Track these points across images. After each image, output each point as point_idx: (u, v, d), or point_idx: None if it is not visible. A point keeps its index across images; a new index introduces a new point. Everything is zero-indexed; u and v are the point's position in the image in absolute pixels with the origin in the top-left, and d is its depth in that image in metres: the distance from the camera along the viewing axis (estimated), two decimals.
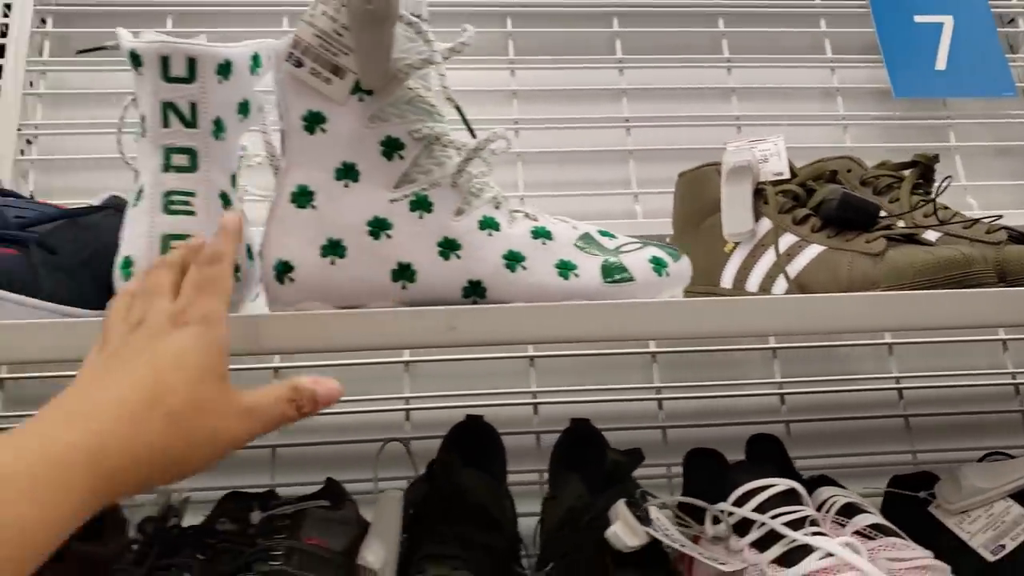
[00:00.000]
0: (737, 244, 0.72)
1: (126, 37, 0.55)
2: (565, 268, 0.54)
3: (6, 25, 0.96)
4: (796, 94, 1.08)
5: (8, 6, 0.97)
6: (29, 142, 0.96)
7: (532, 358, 0.91)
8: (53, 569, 0.61)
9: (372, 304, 0.53)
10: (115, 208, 0.63)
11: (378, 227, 0.53)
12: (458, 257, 0.53)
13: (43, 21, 1.00)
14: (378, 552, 0.58)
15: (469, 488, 0.61)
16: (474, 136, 0.54)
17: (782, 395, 0.94)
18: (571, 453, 0.67)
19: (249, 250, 0.57)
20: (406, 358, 0.91)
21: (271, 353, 0.52)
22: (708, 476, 0.69)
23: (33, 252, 0.56)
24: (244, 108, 0.57)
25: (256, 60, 0.58)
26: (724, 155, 0.73)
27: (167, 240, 0.52)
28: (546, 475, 0.76)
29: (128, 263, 0.52)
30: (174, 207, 0.53)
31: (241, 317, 0.52)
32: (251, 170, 0.64)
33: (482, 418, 0.73)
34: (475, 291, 0.53)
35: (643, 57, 1.06)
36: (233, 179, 0.57)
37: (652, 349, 0.95)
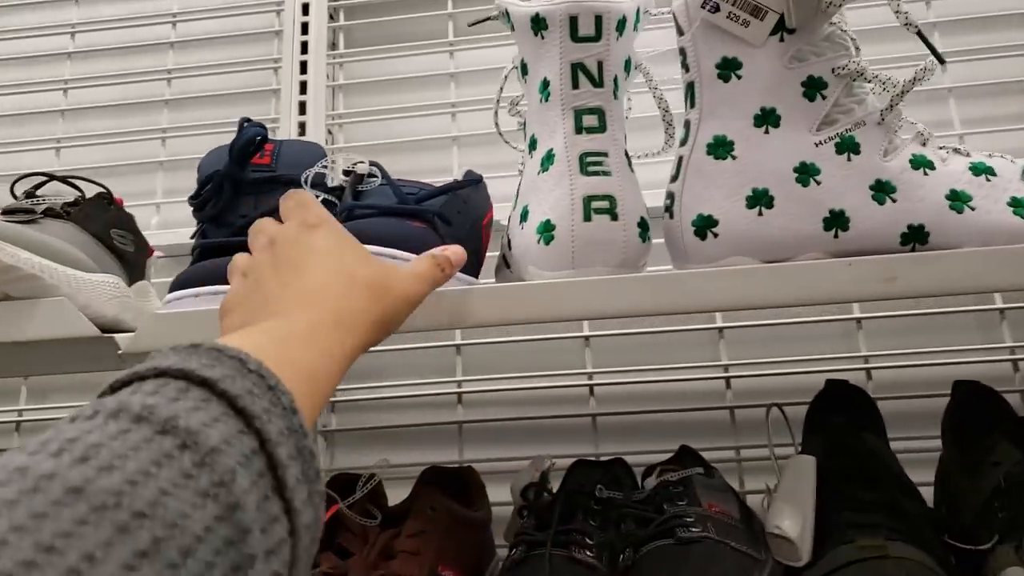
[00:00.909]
0: None
1: (519, 5, 0.55)
2: (1020, 206, 0.49)
3: (305, 23, 1.01)
4: None
5: (306, 5, 1.02)
6: (331, 132, 1.00)
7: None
8: (433, 524, 0.63)
9: (801, 256, 0.51)
10: (476, 183, 0.64)
11: (806, 173, 0.50)
12: (893, 200, 0.50)
13: (331, 17, 1.04)
14: (794, 519, 0.55)
15: (881, 453, 0.57)
16: (941, 60, 0.50)
17: None
18: (974, 417, 0.62)
19: (643, 220, 0.55)
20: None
21: (692, 311, 0.50)
22: None
23: (437, 224, 0.57)
24: (628, 65, 0.56)
25: (638, 16, 0.56)
26: None
27: (588, 201, 0.52)
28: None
29: (549, 226, 0.52)
30: (592, 168, 0.52)
31: (658, 274, 0.51)
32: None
33: (847, 382, 0.69)
34: (916, 236, 0.49)
35: None
36: (625, 139, 0.56)
37: None
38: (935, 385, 0.74)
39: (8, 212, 0.65)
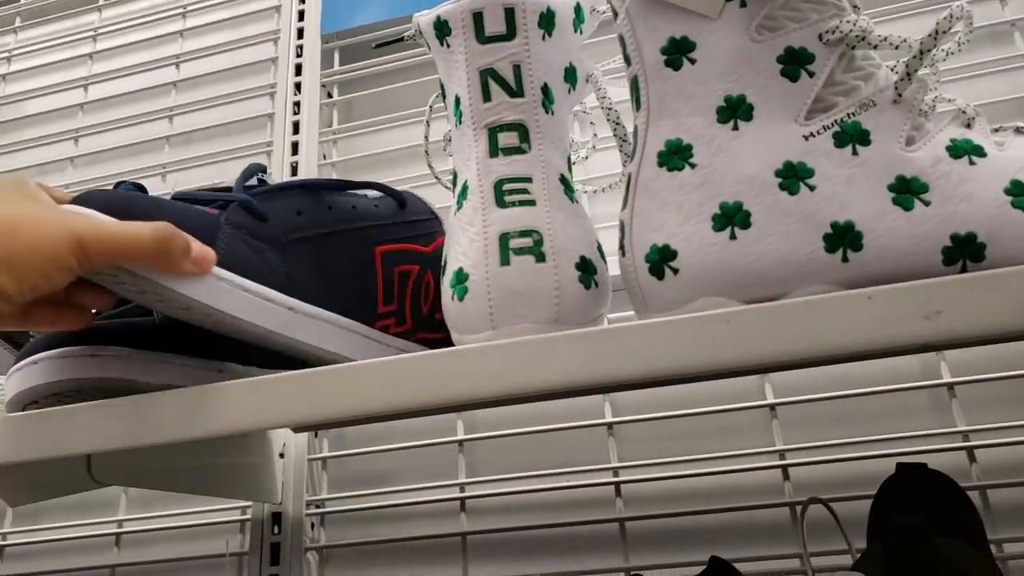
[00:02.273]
0: None
1: (424, 13, 0.45)
2: None
3: (297, 104, 0.95)
4: None
5: (298, 85, 0.96)
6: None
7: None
8: None
9: (797, 292, 0.36)
10: (398, 198, 0.54)
11: (794, 176, 0.36)
12: (926, 204, 0.35)
13: (329, 95, 0.98)
14: None
15: (965, 566, 0.40)
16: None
17: None
18: None
19: (600, 249, 0.42)
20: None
21: (658, 382, 0.36)
22: None
23: (234, 214, 0.45)
24: (571, 74, 0.45)
25: (578, 13, 0.45)
26: None
27: (505, 239, 0.39)
28: None
29: (462, 276, 0.40)
30: (509, 197, 0.40)
31: (608, 329, 0.37)
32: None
33: (924, 467, 0.51)
34: (965, 251, 0.34)
35: None
36: (569, 163, 0.44)
37: None
38: None
39: None
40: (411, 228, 0.51)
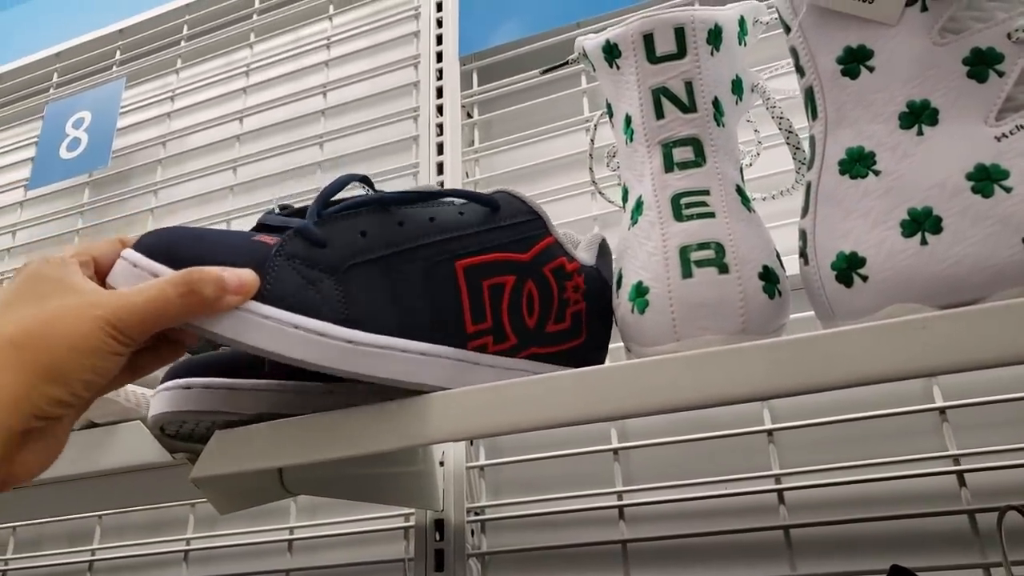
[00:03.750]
0: None
1: (591, 38, 0.47)
2: None
3: (440, 125, 0.99)
4: None
5: (439, 107, 1.00)
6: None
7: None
8: None
9: (994, 296, 0.36)
10: (490, 203, 0.50)
11: (987, 179, 0.36)
12: None
13: (468, 115, 1.01)
14: None
15: None
16: None
17: None
18: None
19: (778, 257, 0.43)
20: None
21: (837, 386, 0.36)
22: None
23: (290, 243, 0.42)
24: (737, 86, 0.45)
25: (742, 25, 0.46)
26: None
27: (686, 252, 0.40)
28: None
29: (642, 289, 0.41)
30: (688, 211, 0.41)
31: (803, 338, 0.37)
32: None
33: None
34: None
35: None
36: (742, 173, 0.45)
37: None
38: None
39: None
40: (504, 234, 0.46)
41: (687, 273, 0.40)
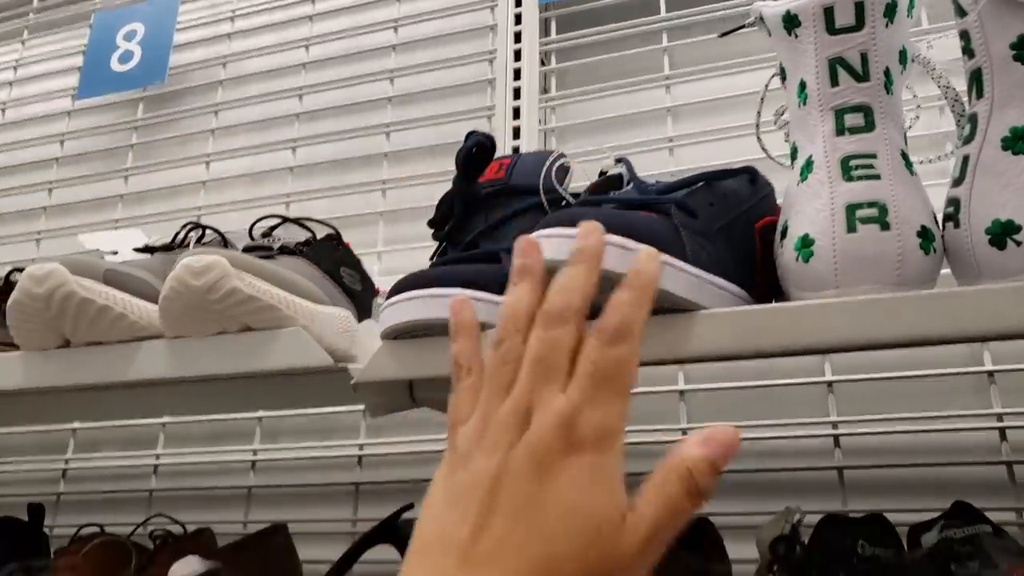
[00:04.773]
0: None
1: (771, 5, 0.51)
2: None
3: (517, 70, 1.02)
4: None
5: (517, 52, 1.03)
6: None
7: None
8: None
9: None
10: (750, 174, 0.57)
11: None
12: None
13: (543, 62, 1.04)
14: None
15: None
16: None
17: None
18: None
19: (934, 217, 0.47)
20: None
21: (987, 337, 0.42)
22: None
23: (674, 215, 0.51)
24: (903, 57, 0.50)
25: (912, 0, 0.50)
26: None
27: (852, 210, 0.45)
28: None
29: (808, 241, 0.46)
30: (856, 172, 0.46)
31: (944, 293, 0.43)
32: None
33: None
34: None
35: None
36: (905, 138, 0.49)
37: None
38: None
39: (247, 250, 0.67)
40: (766, 203, 0.54)
41: (851, 228, 0.45)
